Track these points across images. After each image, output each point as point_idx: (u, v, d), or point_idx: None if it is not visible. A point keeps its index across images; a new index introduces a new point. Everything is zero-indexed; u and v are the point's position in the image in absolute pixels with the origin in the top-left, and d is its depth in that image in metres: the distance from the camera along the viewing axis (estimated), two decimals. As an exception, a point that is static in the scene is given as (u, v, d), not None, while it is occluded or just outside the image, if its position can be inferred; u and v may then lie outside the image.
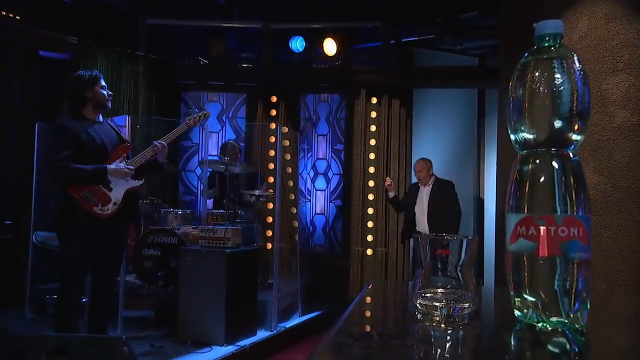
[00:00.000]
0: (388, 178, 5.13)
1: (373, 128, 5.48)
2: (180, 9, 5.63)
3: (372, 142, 5.46)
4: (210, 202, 4.75)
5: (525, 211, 0.55)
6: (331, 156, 5.66)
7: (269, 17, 5.55)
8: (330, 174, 5.67)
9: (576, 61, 0.55)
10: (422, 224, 4.70)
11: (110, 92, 2.96)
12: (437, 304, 0.58)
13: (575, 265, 0.52)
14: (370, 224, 5.34)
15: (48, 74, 4.61)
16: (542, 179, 0.54)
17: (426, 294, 0.59)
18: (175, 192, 5.61)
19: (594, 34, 3.49)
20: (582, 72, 0.55)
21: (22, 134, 4.26)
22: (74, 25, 4.84)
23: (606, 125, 3.38)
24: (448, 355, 0.47)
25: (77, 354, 2.32)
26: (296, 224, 5.34)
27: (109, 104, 2.98)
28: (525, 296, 0.54)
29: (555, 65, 0.54)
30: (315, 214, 5.69)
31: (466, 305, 0.58)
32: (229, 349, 3.32)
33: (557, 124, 0.54)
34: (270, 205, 5.39)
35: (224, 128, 5.73)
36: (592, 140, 3.40)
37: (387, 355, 0.46)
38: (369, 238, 5.34)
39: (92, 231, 2.78)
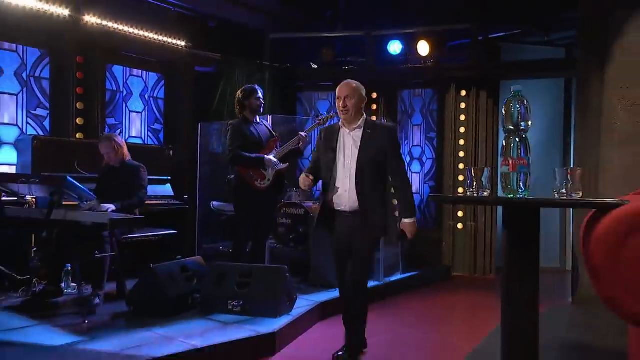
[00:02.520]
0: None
1: (462, 118, 6.23)
2: (296, 23, 6.77)
3: (462, 130, 6.22)
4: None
5: (505, 156, 1.47)
6: (425, 143, 6.52)
7: (369, 26, 6.49)
8: (424, 159, 6.53)
9: (525, 100, 1.45)
10: (344, 195, 2.83)
11: (262, 102, 4.10)
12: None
13: (520, 175, 1.43)
14: (460, 202, 6.13)
15: (202, 83, 5.97)
16: (512, 144, 1.46)
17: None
18: (294, 176, 6.79)
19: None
20: (526, 104, 1.45)
21: (188, 131, 5.66)
22: (217, 44, 6.16)
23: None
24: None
25: (257, 277, 3.50)
26: (396, 202, 6.28)
27: (261, 110, 4.13)
28: (509, 186, 1.47)
29: (513, 102, 1.45)
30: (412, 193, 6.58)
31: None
32: (348, 290, 4.37)
33: (512, 126, 1.45)
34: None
35: (332, 121, 6.79)
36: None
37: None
38: (460, 214, 6.15)
39: (254, 200, 3.96)
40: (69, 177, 3.26)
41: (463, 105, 6.24)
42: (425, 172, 6.52)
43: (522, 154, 1.42)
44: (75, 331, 3.03)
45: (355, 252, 2.90)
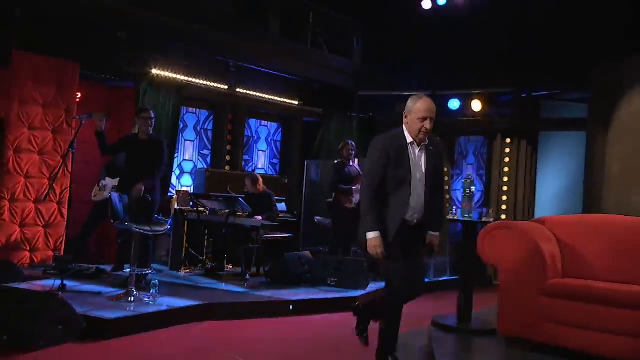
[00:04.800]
0: None
1: (507, 160, 7.94)
2: (378, 83, 8.86)
3: (506, 169, 7.92)
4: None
5: (463, 202, 3.37)
6: (476, 178, 8.27)
7: (435, 87, 8.41)
8: (475, 191, 8.27)
9: (472, 179, 3.35)
10: (417, 210, 2.89)
11: (352, 152, 6.19)
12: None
13: (471, 210, 3.32)
14: (502, 226, 7.81)
15: (308, 130, 8.23)
16: (466, 198, 3.35)
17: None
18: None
19: None
20: (470, 181, 3.34)
21: (297, 165, 7.91)
22: (320, 100, 8.39)
23: None
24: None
25: (346, 265, 5.54)
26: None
27: (350, 160, 6.20)
28: (464, 214, 3.35)
29: (466, 182, 3.35)
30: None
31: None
32: (407, 282, 6.29)
33: (465, 189, 3.37)
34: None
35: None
36: None
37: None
38: (502, 235, 7.82)
39: (345, 216, 6.03)
40: (240, 198, 5.55)
41: (507, 150, 7.94)
42: (475, 201, 8.25)
43: (468, 201, 3.26)
44: (242, 287, 5.26)
45: (416, 262, 2.97)
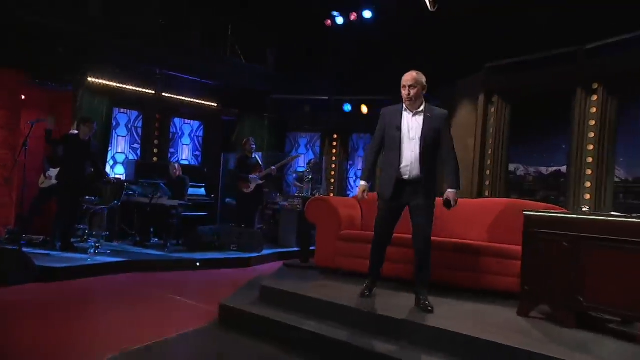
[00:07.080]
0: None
1: (387, 153, 9.88)
2: (288, 88, 10.52)
3: (387, 161, 9.86)
4: (296, 189, 9.56)
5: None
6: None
7: (332, 93, 10.20)
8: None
9: (310, 171, 5.07)
10: (408, 167, 3.39)
11: (253, 147, 7.83)
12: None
13: (312, 187, 5.03)
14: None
15: (226, 128, 9.77)
16: (307, 180, 5.07)
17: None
18: (281, 185, 10.52)
19: (466, 116, 7.67)
20: (311, 168, 5.07)
21: (216, 157, 9.46)
22: (237, 102, 9.94)
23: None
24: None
25: (246, 234, 7.25)
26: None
27: (251, 154, 7.84)
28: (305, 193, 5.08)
29: (307, 169, 5.08)
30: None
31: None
32: (296, 249, 8.05)
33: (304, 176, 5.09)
34: (332, 195, 10.04)
35: (308, 152, 10.53)
36: (467, 163, 7.52)
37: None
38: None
39: (244, 198, 7.69)
40: (161, 183, 7.05)
41: (388, 146, 9.87)
42: (363, 187, 10.17)
43: (307, 184, 4.95)
44: (163, 252, 6.81)
45: (420, 212, 3.37)
